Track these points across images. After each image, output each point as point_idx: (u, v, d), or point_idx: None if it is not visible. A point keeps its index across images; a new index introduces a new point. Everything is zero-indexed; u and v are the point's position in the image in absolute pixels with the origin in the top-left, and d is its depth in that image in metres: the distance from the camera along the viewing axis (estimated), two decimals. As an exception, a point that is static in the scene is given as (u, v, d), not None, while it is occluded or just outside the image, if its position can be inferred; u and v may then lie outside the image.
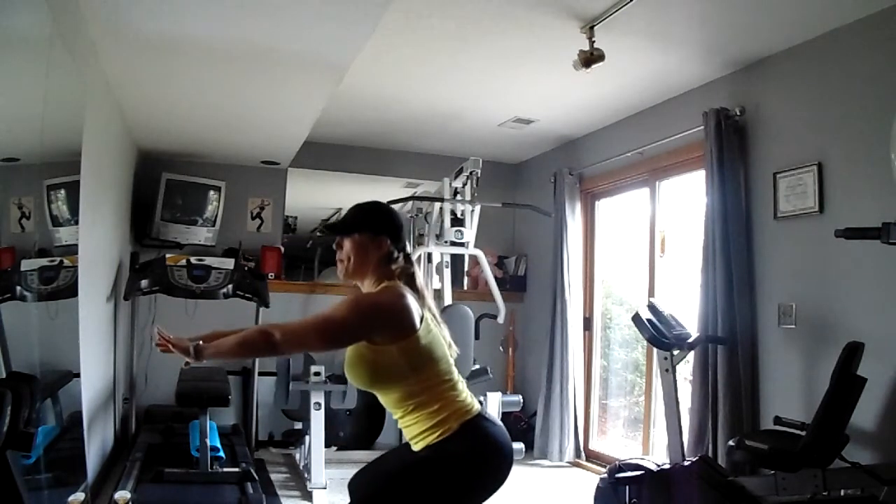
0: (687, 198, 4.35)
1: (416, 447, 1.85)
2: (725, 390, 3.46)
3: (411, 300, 1.84)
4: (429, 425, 1.80)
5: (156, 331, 1.79)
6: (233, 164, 5.39)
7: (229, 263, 4.63)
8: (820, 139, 3.26)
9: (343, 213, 2.03)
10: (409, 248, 2.00)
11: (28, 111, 2.22)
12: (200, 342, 1.76)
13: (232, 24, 2.94)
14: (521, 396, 4.66)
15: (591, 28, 3.22)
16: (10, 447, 1.69)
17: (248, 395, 4.83)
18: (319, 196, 6.22)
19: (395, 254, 1.93)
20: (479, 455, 1.81)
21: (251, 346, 1.78)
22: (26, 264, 2.29)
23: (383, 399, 1.89)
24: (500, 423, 1.92)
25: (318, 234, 1.74)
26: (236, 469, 3.84)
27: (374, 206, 2.03)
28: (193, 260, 4.54)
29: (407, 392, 1.82)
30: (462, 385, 1.89)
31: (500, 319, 4.90)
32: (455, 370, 1.90)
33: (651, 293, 4.37)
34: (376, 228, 1.93)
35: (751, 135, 3.65)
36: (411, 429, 1.85)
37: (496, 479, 1.87)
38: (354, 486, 1.98)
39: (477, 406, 1.88)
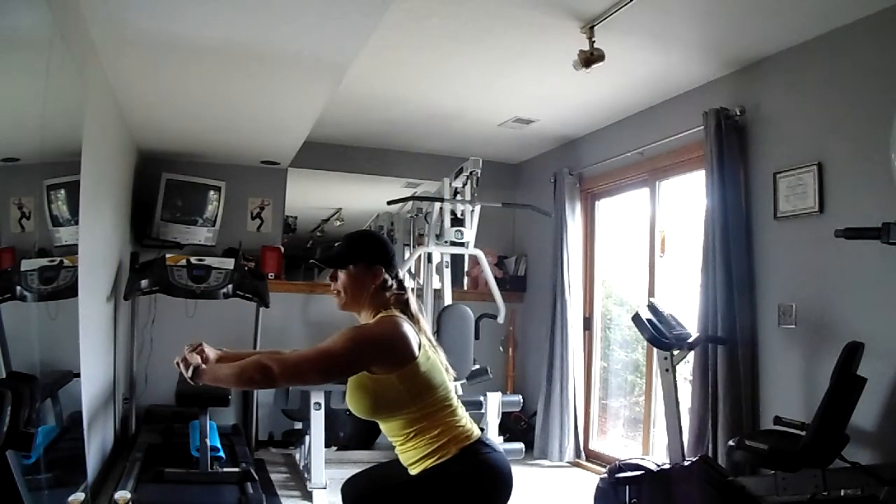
0: (687, 198, 4.35)
1: (413, 471, 1.85)
2: (725, 390, 3.46)
3: (409, 328, 1.84)
4: (428, 451, 1.81)
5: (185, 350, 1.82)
6: (233, 164, 5.39)
7: (229, 263, 4.63)
8: (820, 139, 3.26)
9: (334, 231, 2.05)
10: (401, 275, 2.01)
11: (28, 111, 2.21)
12: (202, 366, 1.77)
13: (232, 25, 2.94)
14: (521, 396, 4.66)
15: (591, 28, 3.22)
16: (10, 447, 1.69)
17: (248, 395, 4.82)
18: (319, 196, 6.23)
19: (390, 281, 1.95)
20: (476, 478, 1.81)
21: (248, 380, 1.77)
22: (26, 264, 2.29)
23: (384, 427, 1.90)
24: (501, 450, 1.92)
25: (313, 259, 1.75)
26: (236, 469, 3.84)
27: (367, 236, 2.06)
28: (193, 260, 4.54)
29: (408, 419, 1.82)
30: (462, 411, 1.90)
31: (500, 319, 4.90)
32: (454, 396, 1.91)
33: (651, 293, 4.36)
34: (371, 259, 1.94)
35: (751, 135, 3.65)
36: (410, 454, 1.85)
37: (502, 496, 1.86)
38: (347, 492, 1.99)
39: (477, 432, 1.88)
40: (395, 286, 1.95)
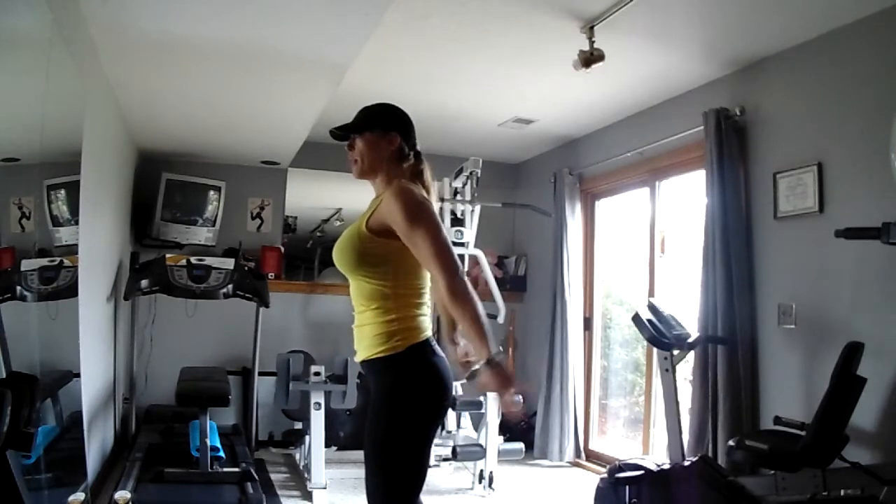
0: (687, 198, 4.35)
1: (359, 356, 1.91)
2: (725, 390, 3.46)
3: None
4: (378, 332, 1.85)
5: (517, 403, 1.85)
6: (233, 164, 5.39)
7: (229, 263, 4.63)
8: (820, 139, 3.26)
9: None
10: (418, 146, 2.04)
11: (28, 111, 2.22)
12: (476, 358, 1.78)
13: (232, 24, 2.94)
14: (521, 396, 4.65)
15: (591, 28, 3.23)
16: (10, 447, 1.69)
17: (248, 395, 4.82)
18: (319, 196, 6.22)
19: (406, 150, 2.00)
20: (418, 379, 1.85)
21: (467, 312, 1.75)
22: (26, 264, 2.29)
23: (354, 287, 1.93)
24: (443, 354, 1.94)
25: (332, 129, 1.77)
26: (236, 469, 3.84)
27: (382, 105, 2.07)
28: (193, 260, 4.54)
29: (377, 291, 1.87)
30: (427, 310, 1.94)
31: (500, 319, 4.90)
32: (428, 294, 1.95)
33: (651, 293, 4.37)
34: (386, 125, 1.99)
35: (751, 135, 3.65)
36: (364, 329, 1.89)
37: (438, 409, 1.90)
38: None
39: (428, 333, 1.91)
40: (411, 157, 2.00)
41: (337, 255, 1.93)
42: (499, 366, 1.73)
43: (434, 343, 1.92)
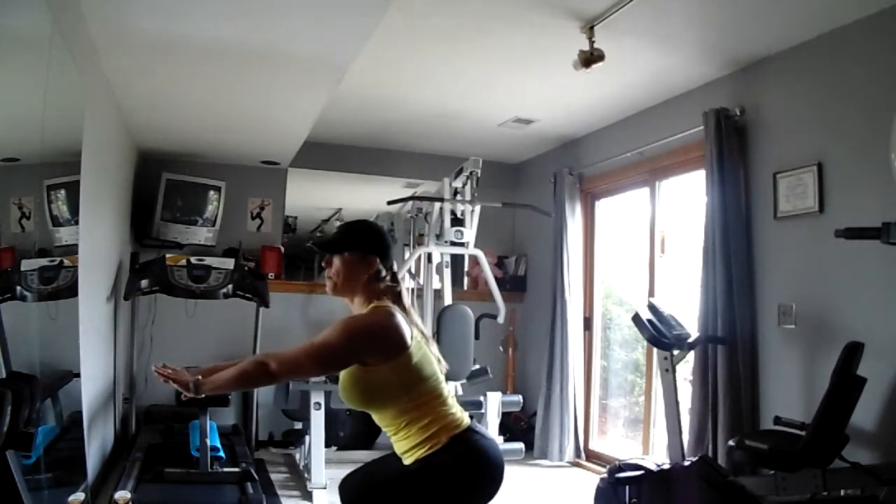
0: (687, 198, 4.35)
1: (406, 461, 1.87)
2: (725, 390, 3.46)
3: (401, 319, 1.87)
4: (420, 440, 1.83)
5: (153, 368, 1.85)
6: (233, 164, 5.39)
7: (229, 263, 4.63)
8: (820, 139, 3.26)
9: (334, 229, 2.06)
10: (395, 268, 2.02)
11: (28, 111, 2.22)
12: (199, 377, 1.81)
13: (232, 25, 2.94)
14: (521, 396, 4.66)
15: (591, 28, 3.23)
16: (10, 447, 1.69)
17: (248, 395, 4.82)
18: (319, 196, 6.23)
19: (383, 273, 1.96)
20: (467, 467, 1.83)
21: (249, 378, 1.84)
22: (26, 264, 2.29)
23: (377, 417, 1.92)
24: (491, 436, 1.94)
25: (311, 243, 1.87)
26: (236, 469, 3.84)
27: (364, 225, 2.07)
28: (193, 260, 4.53)
29: (400, 409, 1.85)
30: (452, 400, 1.92)
31: (500, 319, 4.90)
32: (445, 386, 1.93)
33: (651, 293, 4.36)
34: (365, 248, 1.96)
35: (751, 135, 3.65)
36: (403, 444, 1.87)
37: (485, 491, 1.88)
38: (345, 488, 2.00)
39: (467, 420, 1.90)
40: (388, 278, 1.97)
41: (344, 395, 1.91)
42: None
43: (477, 427, 1.91)
